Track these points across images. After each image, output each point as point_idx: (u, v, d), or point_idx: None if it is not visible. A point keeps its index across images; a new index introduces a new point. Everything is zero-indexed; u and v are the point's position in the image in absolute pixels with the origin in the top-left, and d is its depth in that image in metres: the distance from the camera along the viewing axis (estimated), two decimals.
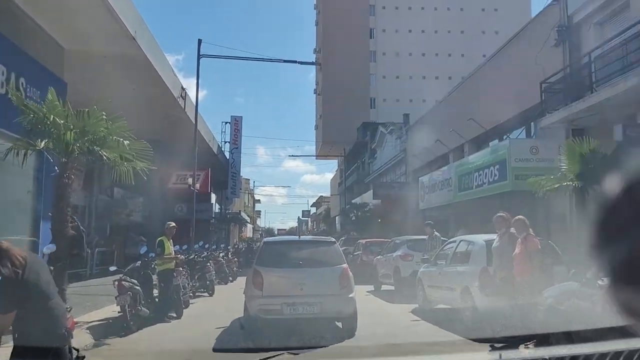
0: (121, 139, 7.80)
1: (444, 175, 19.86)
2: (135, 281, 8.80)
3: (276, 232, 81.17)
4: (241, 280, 19.83)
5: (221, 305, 12.20)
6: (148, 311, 8.78)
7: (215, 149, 28.80)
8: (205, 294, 14.09)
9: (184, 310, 10.62)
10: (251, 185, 68.60)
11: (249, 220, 63.88)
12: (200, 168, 24.15)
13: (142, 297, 8.78)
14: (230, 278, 18.96)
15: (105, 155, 8.20)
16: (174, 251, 11.30)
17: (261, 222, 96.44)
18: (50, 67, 12.11)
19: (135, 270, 9.24)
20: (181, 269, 11.61)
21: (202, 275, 13.96)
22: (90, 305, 10.85)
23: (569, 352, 2.65)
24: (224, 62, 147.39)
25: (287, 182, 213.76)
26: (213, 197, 43.94)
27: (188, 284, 12.70)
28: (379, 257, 15.26)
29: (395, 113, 41.49)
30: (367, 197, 35.00)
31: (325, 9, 60.93)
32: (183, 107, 18.50)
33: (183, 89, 18.24)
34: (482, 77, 19.02)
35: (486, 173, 15.28)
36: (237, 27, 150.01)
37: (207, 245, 18.15)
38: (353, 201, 37.57)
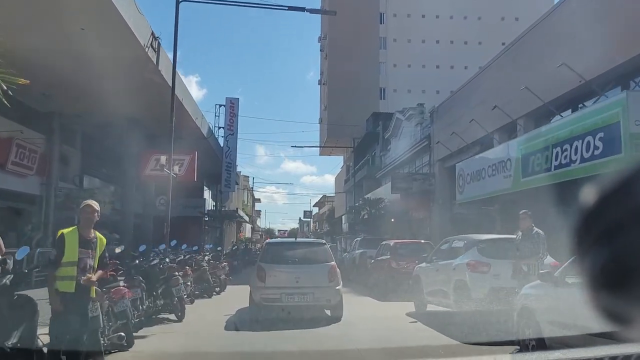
0: None
1: (496, 156, 15.19)
2: None
3: (276, 234, 77.15)
4: (232, 291, 15.25)
5: (189, 340, 7.89)
6: None
7: (205, 131, 24.08)
8: (172, 317, 9.55)
9: (122, 353, 6.31)
10: (250, 183, 64.09)
11: (247, 220, 59.39)
12: (184, 151, 19.54)
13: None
14: (217, 289, 14.34)
15: None
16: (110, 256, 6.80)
17: (261, 223, 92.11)
18: None
19: (2, 291, 4.72)
20: (122, 285, 7.08)
21: (166, 290, 9.42)
22: None
23: (564, 356, 2.86)
24: (223, 60, 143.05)
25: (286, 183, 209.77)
26: (207, 192, 39.44)
27: (142, 305, 8.22)
28: (422, 264, 10.68)
29: (406, 104, 37.12)
30: (382, 192, 30.88)
31: None
32: (155, 62, 13.83)
33: (155, 37, 13.52)
34: (559, 20, 14.19)
35: (576, 147, 10.68)
36: (238, 15, 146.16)
37: (183, 247, 13.47)
38: (366, 197, 33.20)
